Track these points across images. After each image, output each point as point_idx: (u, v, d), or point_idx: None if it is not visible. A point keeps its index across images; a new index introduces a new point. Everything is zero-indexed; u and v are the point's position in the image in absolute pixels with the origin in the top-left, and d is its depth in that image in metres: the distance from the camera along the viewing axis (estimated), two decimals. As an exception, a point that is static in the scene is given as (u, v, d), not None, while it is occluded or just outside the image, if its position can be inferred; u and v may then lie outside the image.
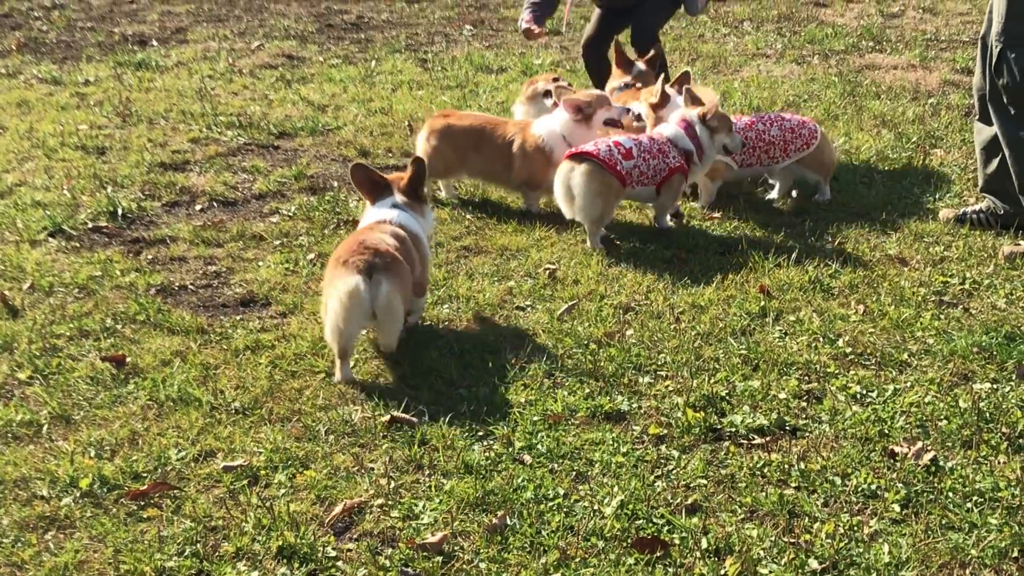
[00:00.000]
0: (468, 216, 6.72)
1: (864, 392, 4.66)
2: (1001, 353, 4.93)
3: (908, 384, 4.72)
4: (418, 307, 5.29)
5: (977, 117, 6.49)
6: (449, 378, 4.81)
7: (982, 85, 6.28)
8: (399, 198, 5.28)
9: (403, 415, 4.48)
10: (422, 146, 6.96)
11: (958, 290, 5.65)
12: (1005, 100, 6.14)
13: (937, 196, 6.98)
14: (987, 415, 4.42)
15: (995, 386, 4.68)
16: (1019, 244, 6.13)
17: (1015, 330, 5.16)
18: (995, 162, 6.42)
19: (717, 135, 6.46)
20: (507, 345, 5.12)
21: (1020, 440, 4.25)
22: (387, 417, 4.46)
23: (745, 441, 4.33)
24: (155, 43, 12.33)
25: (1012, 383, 4.70)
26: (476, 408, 4.55)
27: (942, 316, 5.35)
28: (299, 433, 4.39)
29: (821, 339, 5.13)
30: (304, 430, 4.42)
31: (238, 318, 5.43)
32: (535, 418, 4.47)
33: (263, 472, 4.14)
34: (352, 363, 4.90)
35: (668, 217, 6.59)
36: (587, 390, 4.70)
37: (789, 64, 11.09)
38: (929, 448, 4.21)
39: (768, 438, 4.34)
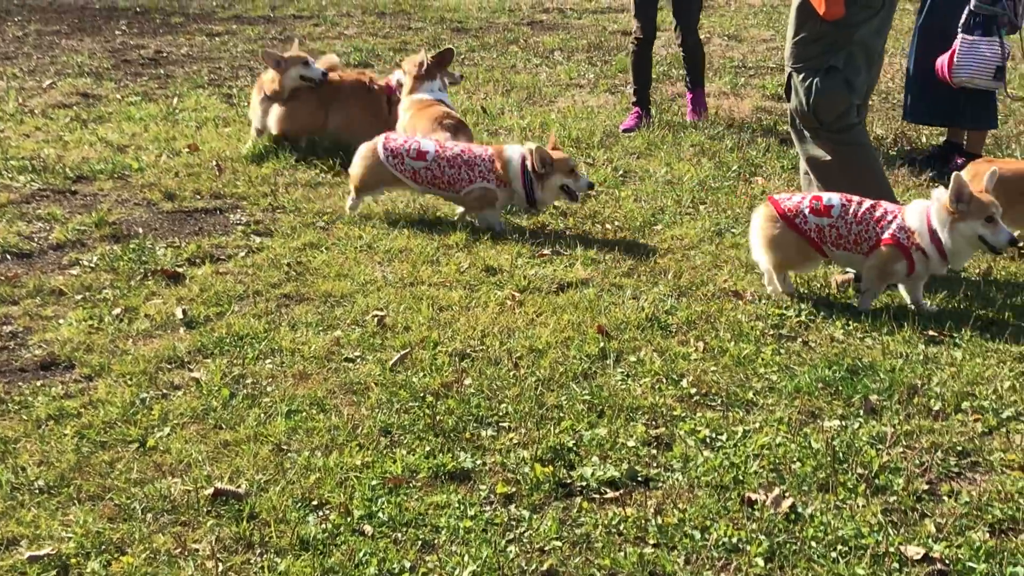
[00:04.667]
0: (287, 261, 6.34)
1: (714, 436, 4.49)
2: (846, 388, 4.84)
3: (757, 425, 4.57)
4: None
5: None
6: (276, 441, 4.45)
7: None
8: None
9: (228, 487, 4.10)
10: None
11: (795, 322, 5.56)
12: (797, 122, 6.21)
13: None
14: (840, 455, 4.30)
15: (844, 423, 4.58)
16: (847, 272, 6.10)
17: (856, 363, 5.08)
18: (815, 184, 6.41)
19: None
20: (338, 401, 4.79)
21: (876, 480, 4.13)
22: (210, 490, 4.07)
23: (598, 496, 4.10)
24: (-63, 82, 11.54)
25: (860, 419, 4.60)
26: (308, 474, 4.21)
27: (782, 351, 5.24)
28: (113, 513, 3.97)
29: (664, 380, 4.96)
30: (118, 509, 4.00)
31: (39, 384, 4.95)
32: (373, 482, 4.15)
33: (74, 561, 3.71)
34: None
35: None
36: (427, 447, 4.40)
37: (603, 94, 11.05)
38: (787, 494, 4.05)
39: (621, 491, 4.12)
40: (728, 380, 4.96)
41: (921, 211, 5.61)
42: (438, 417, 4.61)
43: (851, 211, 5.69)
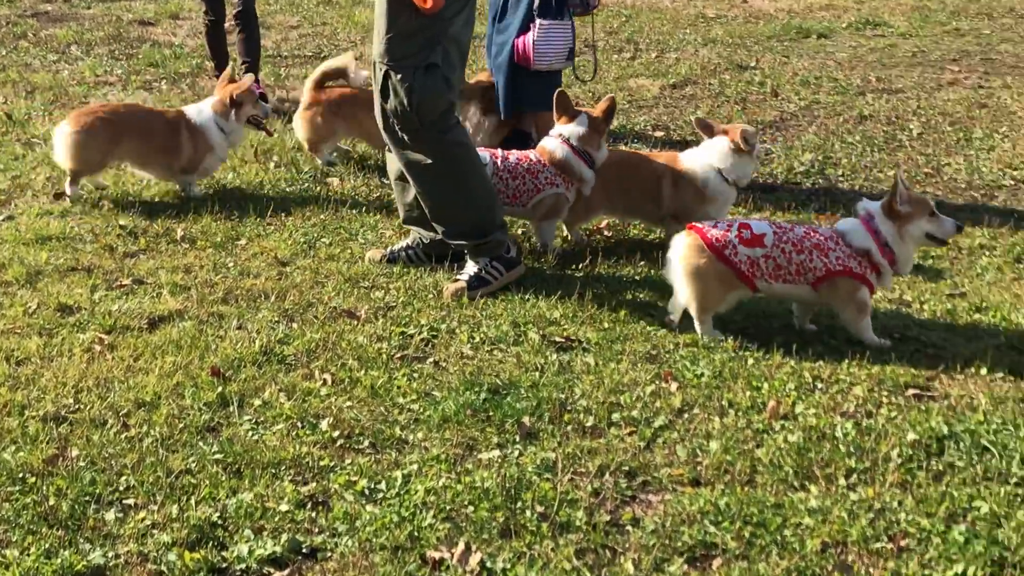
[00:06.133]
0: None
1: (372, 486, 4.04)
2: (495, 412, 4.55)
3: (415, 467, 4.17)
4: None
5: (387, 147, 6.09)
6: None
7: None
8: None
9: None
10: None
11: (419, 340, 5.22)
12: (394, 124, 5.80)
13: (358, 235, 6.53)
14: (512, 492, 3.99)
15: (503, 452, 4.29)
16: (459, 279, 5.83)
17: (495, 381, 4.80)
18: (412, 191, 6.05)
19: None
20: (-88, 497, 3.93)
21: (558, 518, 3.86)
22: None
23: (263, 579, 3.57)
24: None
25: (519, 446, 4.33)
26: None
27: (416, 375, 4.88)
28: None
29: (300, 424, 4.46)
30: None
31: None
32: (-15, 601, 3.40)
33: None
34: None
35: None
36: (44, 544, 3.65)
37: (137, 91, 10.19)
38: (472, 547, 3.69)
39: (288, 569, 3.61)
40: (369, 416, 4.54)
41: (863, 230, 5.23)
42: (48, 502, 3.87)
43: (785, 238, 5.22)
